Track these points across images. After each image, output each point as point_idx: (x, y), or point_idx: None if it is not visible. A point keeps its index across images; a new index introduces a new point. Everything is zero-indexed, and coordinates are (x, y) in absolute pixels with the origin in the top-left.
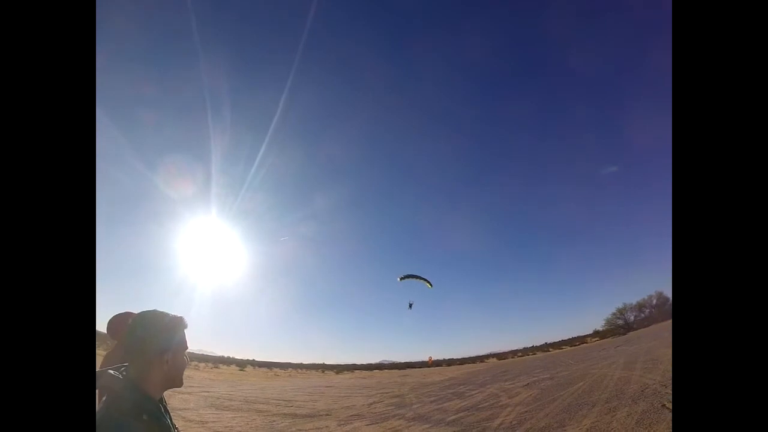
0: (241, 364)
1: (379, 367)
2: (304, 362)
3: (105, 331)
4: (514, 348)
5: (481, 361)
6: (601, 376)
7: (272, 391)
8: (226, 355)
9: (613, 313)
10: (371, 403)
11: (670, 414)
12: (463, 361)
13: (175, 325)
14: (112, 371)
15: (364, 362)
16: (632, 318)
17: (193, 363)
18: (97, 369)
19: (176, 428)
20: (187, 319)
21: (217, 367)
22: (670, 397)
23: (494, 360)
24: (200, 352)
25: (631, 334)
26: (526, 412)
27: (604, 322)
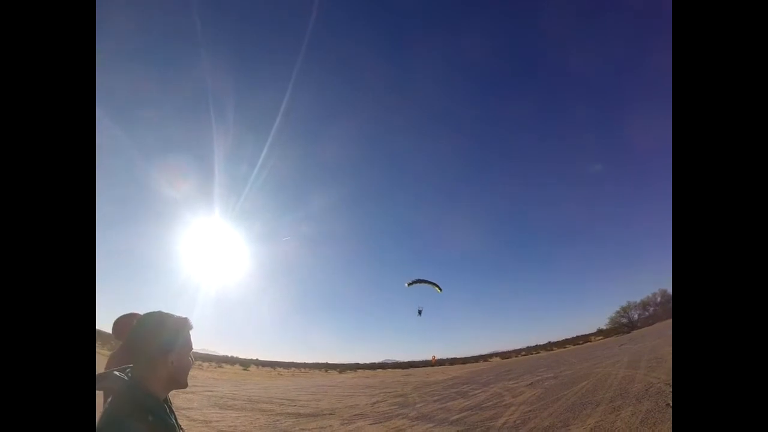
0: (245, 363)
1: (383, 366)
2: (307, 362)
3: (108, 332)
4: (518, 347)
5: (485, 361)
6: (605, 375)
7: (276, 390)
8: (229, 355)
9: (617, 312)
10: (374, 403)
11: None
12: (466, 361)
13: (180, 326)
14: (117, 372)
15: (367, 361)
16: (636, 316)
17: (197, 362)
18: (102, 370)
19: (181, 428)
20: (192, 320)
21: (220, 367)
22: None
23: (498, 359)
24: (204, 352)
25: (635, 332)
26: (530, 411)
27: (607, 320)
